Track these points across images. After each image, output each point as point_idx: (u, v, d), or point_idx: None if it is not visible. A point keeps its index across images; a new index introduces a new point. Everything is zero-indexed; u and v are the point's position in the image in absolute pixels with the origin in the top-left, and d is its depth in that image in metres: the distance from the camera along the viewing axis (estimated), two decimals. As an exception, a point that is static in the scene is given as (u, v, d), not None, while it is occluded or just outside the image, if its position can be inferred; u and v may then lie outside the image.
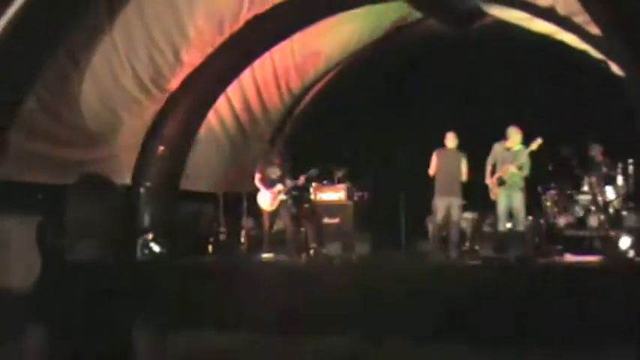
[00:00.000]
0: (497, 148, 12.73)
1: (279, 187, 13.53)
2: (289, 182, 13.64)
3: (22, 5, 9.52)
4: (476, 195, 13.25)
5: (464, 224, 14.29)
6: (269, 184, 13.66)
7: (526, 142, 12.46)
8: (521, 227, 12.41)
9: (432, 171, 12.97)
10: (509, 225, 12.51)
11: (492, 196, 12.60)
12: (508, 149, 12.58)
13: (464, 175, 12.91)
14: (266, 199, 13.72)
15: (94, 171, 11.78)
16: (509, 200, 12.41)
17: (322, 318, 10.65)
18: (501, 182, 12.38)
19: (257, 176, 13.92)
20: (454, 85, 15.85)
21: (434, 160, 12.98)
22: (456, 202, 12.91)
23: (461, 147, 13.10)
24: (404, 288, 10.87)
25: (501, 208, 12.47)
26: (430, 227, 13.04)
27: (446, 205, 12.87)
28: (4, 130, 10.48)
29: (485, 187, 12.68)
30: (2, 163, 10.60)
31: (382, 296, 10.82)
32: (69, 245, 3.40)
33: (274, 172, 13.71)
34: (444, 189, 12.91)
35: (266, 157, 14.40)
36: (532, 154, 12.57)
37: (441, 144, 13.14)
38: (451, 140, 13.02)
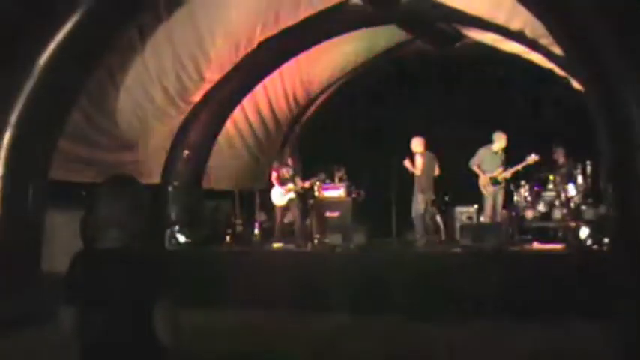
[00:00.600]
0: (483, 151, 13.08)
1: (290, 185, 13.71)
2: (299, 182, 13.82)
3: (69, 29, 9.68)
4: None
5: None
6: (282, 182, 13.84)
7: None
8: (498, 219, 12.73)
9: (418, 171, 13.15)
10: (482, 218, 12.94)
11: (486, 193, 12.94)
12: (495, 152, 12.89)
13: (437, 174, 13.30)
14: (278, 196, 13.89)
15: (126, 172, 12.01)
16: (495, 197, 12.77)
17: (324, 297, 10.80)
18: (495, 182, 12.75)
19: (273, 174, 14.09)
20: (438, 96, 16.00)
21: (420, 161, 13.13)
22: (432, 197, 13.27)
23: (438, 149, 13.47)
24: (396, 271, 11.03)
25: (490, 203, 12.93)
26: (419, 220, 13.19)
27: (426, 201, 13.13)
28: (54, 136, 10.62)
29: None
30: (52, 166, 10.73)
31: (377, 278, 10.97)
32: (101, 236, 3.50)
33: (287, 172, 13.87)
34: (426, 187, 13.16)
35: (281, 159, 14.54)
36: (506, 156, 12.88)
37: (433, 149, 13.38)
38: (423, 144, 13.27)
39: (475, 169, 13.11)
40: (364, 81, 17.17)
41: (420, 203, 13.10)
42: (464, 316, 9.81)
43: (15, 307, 9.65)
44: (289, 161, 14.08)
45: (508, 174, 13.06)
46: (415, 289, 10.58)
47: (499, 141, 12.98)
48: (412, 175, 13.28)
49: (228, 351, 8.45)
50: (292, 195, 13.78)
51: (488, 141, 13.16)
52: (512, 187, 13.38)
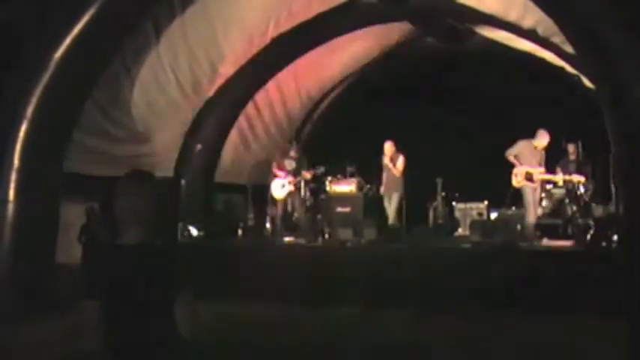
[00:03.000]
0: (523, 144, 12.60)
1: (289, 178, 13.76)
2: (302, 175, 13.83)
3: (85, 23, 9.70)
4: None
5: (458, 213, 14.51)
6: (283, 174, 13.87)
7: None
8: (533, 218, 12.50)
9: (399, 173, 13.32)
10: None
11: (516, 184, 12.60)
12: (535, 148, 12.58)
13: None
14: (277, 188, 13.94)
15: (141, 165, 12.01)
16: (533, 193, 12.54)
17: (335, 291, 10.80)
18: (529, 178, 12.40)
19: (274, 164, 14.14)
20: (451, 93, 15.94)
21: (403, 162, 13.31)
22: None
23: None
24: (406, 266, 11.01)
25: (529, 200, 12.51)
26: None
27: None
28: (69, 129, 10.64)
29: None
30: (67, 157, 10.76)
31: (387, 273, 10.96)
32: (121, 232, 3.51)
33: (290, 164, 13.87)
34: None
35: (284, 150, 14.56)
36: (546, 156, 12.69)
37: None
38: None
39: (511, 159, 12.59)
40: (376, 77, 17.13)
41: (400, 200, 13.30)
42: (472, 311, 9.77)
43: (29, 299, 9.69)
44: (292, 153, 14.07)
45: (547, 177, 12.75)
46: (423, 282, 10.56)
47: (541, 138, 12.46)
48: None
49: (243, 343, 8.45)
50: (291, 187, 13.81)
51: (529, 136, 12.76)
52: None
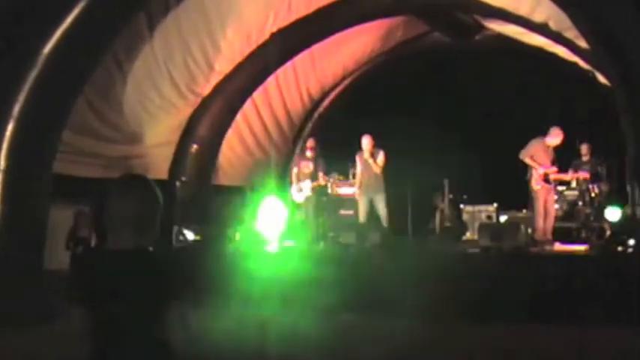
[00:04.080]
0: (536, 143, 12.42)
1: (307, 182, 13.56)
2: (320, 177, 13.62)
3: (75, 16, 9.60)
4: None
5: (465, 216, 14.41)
6: (301, 178, 13.69)
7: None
8: (552, 221, 12.30)
9: (379, 170, 13.03)
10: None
11: (535, 188, 12.37)
12: (548, 147, 12.40)
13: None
14: (295, 193, 13.79)
15: (134, 166, 11.92)
16: (546, 196, 12.31)
17: (336, 297, 10.72)
18: (547, 180, 12.20)
19: (293, 171, 13.97)
20: (458, 91, 15.85)
21: (384, 159, 13.03)
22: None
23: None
24: (410, 272, 10.93)
25: (541, 203, 12.31)
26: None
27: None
28: (58, 128, 10.54)
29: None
30: (56, 158, 10.66)
31: (391, 279, 10.87)
32: (112, 236, 3.46)
33: (307, 167, 13.67)
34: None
35: (302, 152, 14.38)
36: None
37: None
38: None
39: (528, 160, 12.33)
40: (379, 74, 17.05)
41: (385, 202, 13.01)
42: (480, 318, 9.67)
43: (16, 306, 9.58)
44: (309, 153, 13.84)
45: (560, 177, 12.60)
46: (430, 289, 10.46)
47: (555, 137, 12.33)
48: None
49: (238, 351, 8.37)
50: (309, 193, 13.61)
51: (540, 134, 12.58)
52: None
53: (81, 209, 11.89)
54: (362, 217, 13.15)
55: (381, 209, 13.01)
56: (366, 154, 13.06)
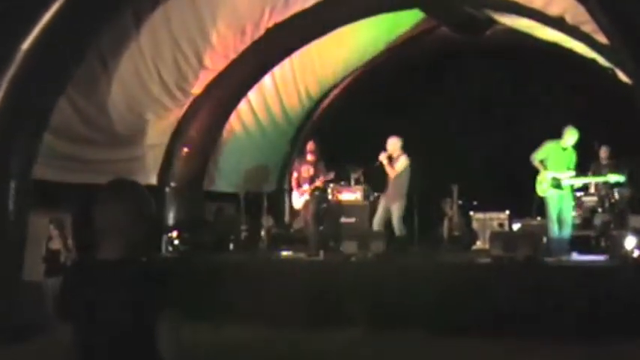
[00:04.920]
0: (550, 146, 12.25)
1: (305, 186, 13.46)
2: (319, 180, 13.52)
3: (56, 10, 9.57)
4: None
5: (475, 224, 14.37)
6: (301, 183, 13.59)
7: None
8: (569, 230, 12.21)
9: (393, 174, 12.91)
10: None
11: (541, 192, 12.29)
12: (564, 149, 12.29)
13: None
14: (296, 199, 13.72)
15: (120, 171, 11.88)
16: (560, 203, 12.20)
17: (338, 311, 10.70)
18: (557, 184, 12.09)
19: (294, 175, 13.89)
20: (467, 91, 15.85)
21: (406, 163, 12.88)
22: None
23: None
24: (417, 283, 10.91)
25: (553, 211, 12.19)
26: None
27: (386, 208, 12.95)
28: (38, 131, 10.51)
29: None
30: (36, 163, 10.63)
31: (396, 290, 10.85)
32: (100, 246, 3.44)
33: (307, 171, 13.56)
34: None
35: (301, 156, 14.31)
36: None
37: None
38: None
39: (536, 164, 12.25)
40: (382, 73, 17.03)
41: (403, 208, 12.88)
42: (492, 333, 9.65)
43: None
44: (309, 157, 13.73)
45: (578, 182, 12.52)
46: (437, 302, 10.45)
47: (570, 137, 12.18)
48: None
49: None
50: (307, 196, 13.52)
51: (557, 136, 12.46)
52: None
53: (58, 217, 11.71)
54: (375, 224, 13.07)
55: (395, 218, 12.89)
56: (382, 155, 12.93)
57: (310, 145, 13.72)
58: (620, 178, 12.30)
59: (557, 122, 12.63)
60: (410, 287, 10.87)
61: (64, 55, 10.24)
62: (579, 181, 12.57)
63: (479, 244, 14.26)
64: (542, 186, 12.16)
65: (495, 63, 15.39)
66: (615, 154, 12.92)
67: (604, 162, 12.92)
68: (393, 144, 12.93)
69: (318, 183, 13.47)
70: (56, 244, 11.18)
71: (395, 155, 12.90)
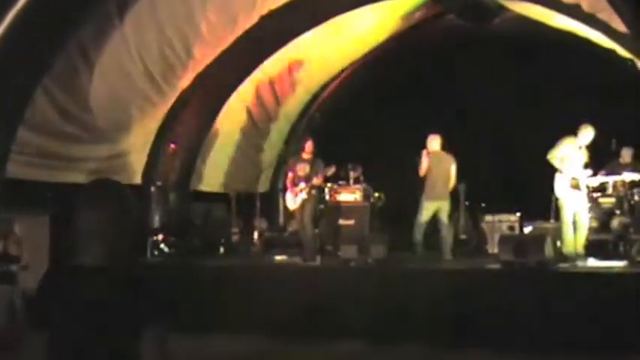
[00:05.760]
0: (568, 143, 12.17)
1: (301, 185, 13.39)
2: (315, 179, 13.45)
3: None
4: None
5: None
6: (295, 182, 13.53)
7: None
8: (585, 233, 12.20)
9: (421, 172, 12.92)
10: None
11: (560, 194, 12.22)
12: (579, 148, 12.25)
13: (453, 179, 12.95)
14: (290, 199, 13.66)
15: (103, 169, 11.84)
16: (576, 205, 12.17)
17: (336, 321, 10.68)
18: (576, 186, 12.06)
19: (289, 175, 13.83)
20: (473, 83, 15.81)
21: (425, 162, 12.89)
22: (443, 206, 12.93)
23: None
24: (419, 292, 10.89)
25: (569, 213, 12.18)
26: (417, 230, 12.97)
27: (434, 209, 12.88)
28: (12, 126, 10.48)
29: None
30: (11, 160, 10.60)
31: (398, 299, 10.83)
32: (80, 251, 3.42)
33: (303, 169, 13.51)
34: (431, 193, 12.91)
35: (297, 154, 14.26)
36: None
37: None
38: (438, 142, 12.98)
39: (557, 163, 12.12)
40: (383, 64, 17.01)
41: (423, 210, 12.87)
42: (500, 345, 9.63)
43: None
44: (305, 155, 13.69)
45: (595, 182, 12.49)
46: (441, 311, 10.44)
47: (585, 135, 12.19)
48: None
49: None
50: (304, 196, 13.44)
51: (571, 133, 12.37)
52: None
53: (10, 217, 11.35)
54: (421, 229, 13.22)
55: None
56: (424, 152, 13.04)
57: (307, 143, 13.69)
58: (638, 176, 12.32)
59: (571, 118, 12.59)
60: (412, 296, 10.85)
61: (40, 45, 10.22)
62: (596, 181, 12.56)
63: (487, 248, 14.26)
64: (562, 186, 12.14)
65: (504, 54, 15.35)
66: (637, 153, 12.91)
67: (624, 161, 12.90)
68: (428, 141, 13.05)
69: (316, 181, 13.40)
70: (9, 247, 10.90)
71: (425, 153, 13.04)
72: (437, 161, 12.88)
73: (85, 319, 3.26)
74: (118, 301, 3.28)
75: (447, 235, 12.94)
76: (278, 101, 16.65)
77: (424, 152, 12.84)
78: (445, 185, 12.90)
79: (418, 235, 12.86)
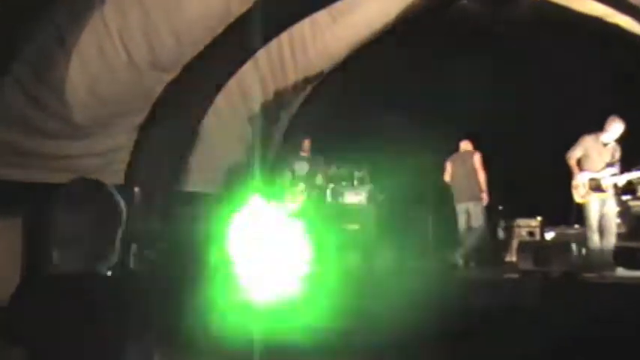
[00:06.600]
0: (589, 140, 12.37)
1: (301, 186, 13.41)
2: (320, 178, 13.45)
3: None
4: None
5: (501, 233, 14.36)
6: (294, 183, 13.55)
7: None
8: (613, 240, 12.22)
9: (446, 177, 13.09)
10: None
11: (579, 198, 12.30)
12: (605, 145, 12.30)
13: (481, 173, 13.02)
14: (289, 202, 13.68)
15: (81, 167, 11.83)
16: (602, 208, 12.23)
17: (335, 337, 10.67)
18: (597, 187, 12.05)
19: (288, 174, 13.86)
20: (490, 74, 15.81)
21: (448, 166, 13.10)
22: (474, 207, 12.98)
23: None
24: (426, 305, 10.87)
25: (594, 216, 12.26)
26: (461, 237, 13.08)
27: (466, 212, 12.94)
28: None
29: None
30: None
31: (405, 313, 10.82)
32: (58, 258, 3.41)
33: (302, 168, 13.53)
34: (460, 195, 12.98)
35: (295, 151, 14.29)
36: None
37: (475, 142, 13.18)
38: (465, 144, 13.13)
39: (572, 164, 12.40)
40: (392, 51, 17.00)
41: (458, 216, 12.99)
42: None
43: None
44: (303, 152, 13.71)
45: (622, 180, 12.51)
46: (452, 327, 10.43)
47: (613, 130, 12.24)
48: None
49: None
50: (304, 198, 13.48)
51: (598, 128, 12.45)
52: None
53: None
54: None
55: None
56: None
57: (305, 141, 13.73)
58: None
59: (599, 111, 12.59)
60: (419, 310, 10.84)
61: (9, 28, 10.21)
62: (623, 179, 12.53)
63: (505, 256, 14.29)
64: (579, 191, 12.15)
65: (525, 41, 15.36)
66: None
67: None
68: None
69: (318, 182, 13.46)
70: None
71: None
72: (460, 162, 12.98)
73: (65, 335, 3.25)
74: (101, 314, 3.27)
75: (470, 238, 13.01)
76: (273, 90, 16.64)
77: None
78: (472, 184, 13.00)
79: (461, 244, 12.94)
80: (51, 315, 3.28)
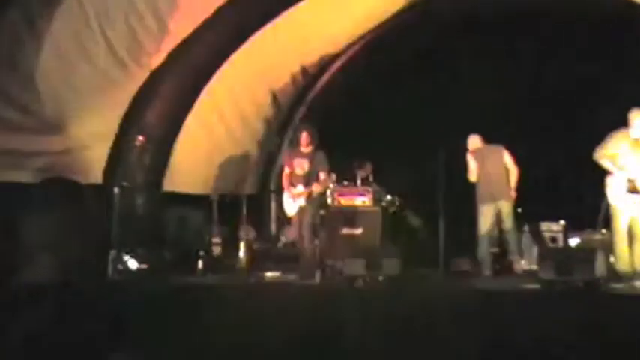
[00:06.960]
0: (618, 137, 12.16)
1: (300, 188, 13.34)
2: (322, 177, 13.35)
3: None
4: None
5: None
6: (293, 182, 13.49)
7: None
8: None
9: (472, 177, 13.09)
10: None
11: (613, 200, 12.18)
12: (636, 141, 12.14)
13: (513, 169, 13.04)
14: (289, 203, 13.62)
15: (55, 166, 11.85)
16: (632, 212, 12.09)
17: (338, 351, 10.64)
18: (634, 189, 11.98)
19: (285, 171, 13.79)
20: (499, 65, 15.85)
21: (472, 165, 13.10)
22: (505, 209, 13.00)
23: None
24: (438, 318, 10.83)
25: (622, 222, 12.15)
26: (482, 242, 13.07)
27: (493, 214, 12.93)
28: None
29: None
30: None
31: (414, 325, 10.79)
32: (26, 265, 3.39)
33: (301, 166, 13.44)
34: (486, 195, 12.98)
35: (293, 147, 14.24)
36: None
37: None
38: (478, 139, 13.14)
39: (605, 163, 12.21)
40: (394, 42, 17.02)
41: (480, 217, 12.97)
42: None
43: None
44: (303, 149, 13.62)
45: None
46: (466, 340, 10.40)
47: (637, 124, 12.23)
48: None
49: None
50: (303, 202, 13.42)
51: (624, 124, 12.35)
52: None
53: None
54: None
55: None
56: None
57: (304, 134, 13.63)
58: None
59: (627, 107, 12.53)
60: (431, 322, 10.80)
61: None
62: None
63: (524, 263, 14.23)
64: (615, 191, 12.09)
65: (547, 28, 15.35)
66: None
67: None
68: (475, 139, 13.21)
69: (316, 188, 13.36)
70: None
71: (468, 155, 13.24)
72: (484, 158, 12.97)
73: (33, 349, 3.25)
74: (73, 327, 3.26)
75: (512, 238, 13.08)
76: (267, 82, 16.71)
77: (468, 155, 13.00)
78: (502, 181, 12.99)
79: (482, 250, 12.93)
80: (17, 331, 3.28)
